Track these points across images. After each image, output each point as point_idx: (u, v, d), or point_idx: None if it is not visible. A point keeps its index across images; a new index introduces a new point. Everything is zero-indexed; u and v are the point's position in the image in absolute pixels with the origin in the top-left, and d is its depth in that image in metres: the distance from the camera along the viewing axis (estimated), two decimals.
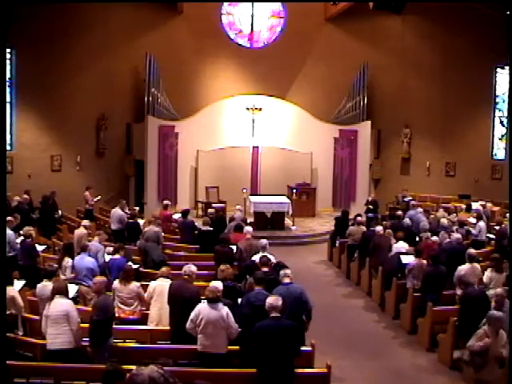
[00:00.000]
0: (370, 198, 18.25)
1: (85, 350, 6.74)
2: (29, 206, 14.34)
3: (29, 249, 10.43)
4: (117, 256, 9.47)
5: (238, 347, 6.81)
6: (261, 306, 6.32)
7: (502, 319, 7.27)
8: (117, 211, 13.83)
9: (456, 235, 11.26)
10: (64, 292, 6.84)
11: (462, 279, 8.58)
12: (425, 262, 10.09)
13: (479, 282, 9.43)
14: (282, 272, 7.44)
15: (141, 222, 13.57)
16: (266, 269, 8.26)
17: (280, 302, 6.15)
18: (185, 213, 13.18)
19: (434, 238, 11.43)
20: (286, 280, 7.30)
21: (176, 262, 10.69)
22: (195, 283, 9.38)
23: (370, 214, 16.34)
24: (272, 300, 6.17)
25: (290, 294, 7.08)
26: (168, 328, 7.41)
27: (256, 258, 9.38)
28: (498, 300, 7.59)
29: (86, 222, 11.59)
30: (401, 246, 11.16)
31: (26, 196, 14.51)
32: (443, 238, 11.56)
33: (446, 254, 10.47)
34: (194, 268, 7.53)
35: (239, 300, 7.45)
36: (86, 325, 6.86)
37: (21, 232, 11.18)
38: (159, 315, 7.67)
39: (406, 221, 13.56)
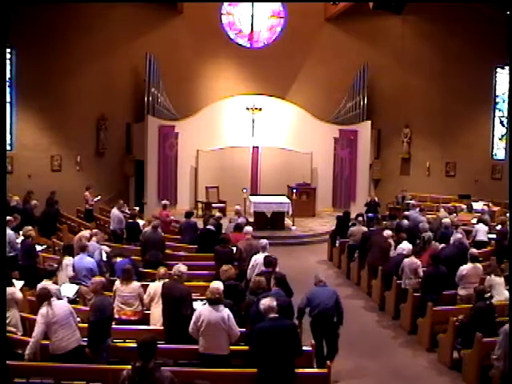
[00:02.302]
0: (370, 199, 18.24)
1: (84, 350, 6.73)
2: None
3: (29, 249, 10.42)
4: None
5: (238, 347, 6.80)
6: (278, 306, 6.43)
7: None
8: (114, 211, 13.82)
9: (457, 235, 11.26)
10: (51, 294, 6.83)
11: (476, 289, 8.53)
12: (417, 261, 10.14)
13: (481, 282, 9.45)
14: (317, 276, 8.26)
15: (141, 222, 13.56)
16: (270, 269, 8.29)
17: (275, 303, 6.21)
18: (188, 214, 13.20)
19: (443, 245, 11.36)
20: (321, 284, 8.09)
21: (175, 262, 10.67)
22: (195, 283, 9.47)
23: (370, 214, 16.34)
24: (267, 301, 6.22)
25: (324, 292, 7.93)
26: None
27: (256, 257, 9.39)
28: None
29: (96, 232, 11.38)
30: (405, 246, 11.16)
31: (36, 202, 14.33)
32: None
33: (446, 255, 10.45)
34: (183, 268, 7.49)
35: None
36: (85, 325, 6.87)
37: (20, 232, 11.16)
38: (161, 315, 7.66)
39: (406, 222, 13.52)
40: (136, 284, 8.01)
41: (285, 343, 6.03)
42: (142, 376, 4.84)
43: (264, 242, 9.53)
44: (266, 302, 6.20)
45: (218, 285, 6.82)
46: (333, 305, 7.87)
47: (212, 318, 6.45)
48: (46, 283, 7.80)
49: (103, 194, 17.90)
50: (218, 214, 13.41)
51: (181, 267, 7.49)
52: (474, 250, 10.02)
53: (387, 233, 11.90)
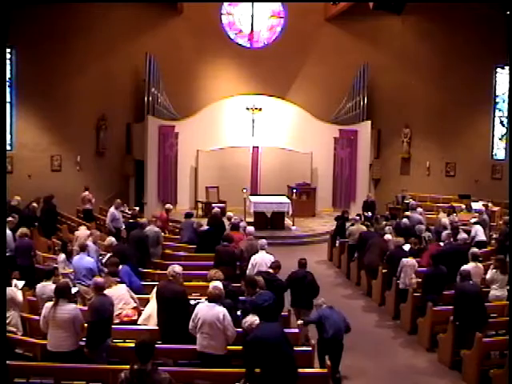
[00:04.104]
0: (367, 199, 18.16)
1: (83, 351, 6.72)
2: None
3: (27, 248, 10.40)
4: None
5: (238, 348, 6.80)
6: (268, 306, 6.49)
7: None
8: (111, 210, 13.82)
9: (463, 235, 11.26)
10: (67, 294, 6.78)
11: (461, 271, 8.62)
12: (415, 261, 10.14)
13: (481, 282, 9.45)
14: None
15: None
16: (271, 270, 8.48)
17: (255, 317, 6.30)
18: (188, 214, 13.24)
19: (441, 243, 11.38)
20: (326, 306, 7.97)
21: (175, 262, 10.68)
22: (195, 283, 9.46)
23: (368, 214, 16.31)
24: (248, 321, 6.30)
25: (333, 315, 7.80)
26: None
27: (255, 257, 9.41)
28: None
29: (92, 231, 11.38)
30: (388, 236, 11.27)
31: (34, 205, 14.31)
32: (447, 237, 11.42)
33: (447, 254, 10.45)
34: (178, 268, 7.44)
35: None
36: (85, 325, 6.85)
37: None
38: (149, 313, 7.61)
39: (405, 221, 13.49)
40: (122, 284, 8.00)
41: (279, 344, 6.04)
42: (140, 378, 4.82)
43: (263, 241, 9.60)
44: (248, 321, 6.29)
45: (218, 284, 6.83)
46: (343, 327, 7.80)
47: (208, 316, 6.46)
48: (46, 283, 7.80)
49: (103, 194, 17.93)
50: (215, 209, 13.35)
51: (176, 267, 7.44)
52: (475, 250, 10.01)
53: (387, 237, 11.90)
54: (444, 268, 9.48)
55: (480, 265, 9.73)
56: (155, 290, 7.73)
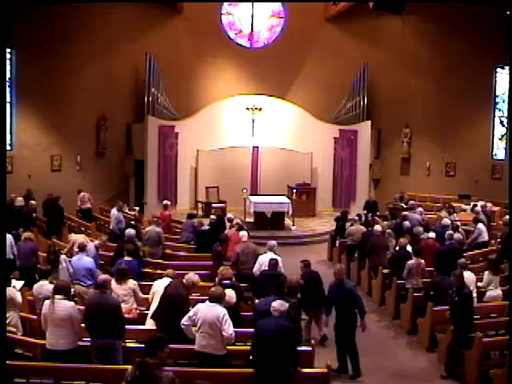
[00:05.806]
0: (369, 200, 18.13)
1: (85, 350, 6.72)
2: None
3: (29, 250, 10.39)
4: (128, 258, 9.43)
5: (238, 348, 6.80)
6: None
7: None
8: (114, 212, 13.83)
9: (457, 235, 11.24)
10: (66, 292, 6.78)
11: (455, 274, 8.61)
12: (423, 261, 10.13)
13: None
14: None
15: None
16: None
17: (283, 308, 6.31)
18: (190, 216, 13.40)
19: (431, 234, 11.39)
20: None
21: (175, 262, 10.74)
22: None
23: (368, 215, 16.28)
24: (277, 304, 6.32)
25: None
26: None
27: (262, 257, 9.58)
28: None
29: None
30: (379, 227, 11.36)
31: (33, 202, 14.24)
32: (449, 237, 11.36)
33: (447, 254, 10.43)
34: (195, 279, 7.44)
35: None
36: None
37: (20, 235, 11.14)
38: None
39: (406, 223, 13.39)
40: (132, 282, 7.99)
41: (282, 340, 6.08)
42: (141, 371, 4.91)
43: (272, 243, 9.80)
44: (275, 304, 6.36)
45: (230, 293, 6.94)
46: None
47: (208, 316, 6.46)
48: (43, 283, 7.80)
49: (103, 194, 17.94)
50: (213, 216, 13.42)
51: (195, 278, 7.43)
52: (462, 260, 9.62)
53: (377, 229, 11.91)
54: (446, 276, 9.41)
55: (470, 273, 9.38)
56: (156, 284, 7.78)
